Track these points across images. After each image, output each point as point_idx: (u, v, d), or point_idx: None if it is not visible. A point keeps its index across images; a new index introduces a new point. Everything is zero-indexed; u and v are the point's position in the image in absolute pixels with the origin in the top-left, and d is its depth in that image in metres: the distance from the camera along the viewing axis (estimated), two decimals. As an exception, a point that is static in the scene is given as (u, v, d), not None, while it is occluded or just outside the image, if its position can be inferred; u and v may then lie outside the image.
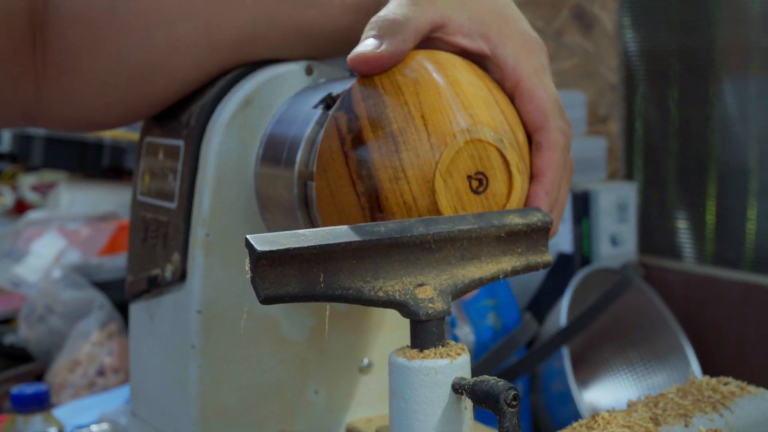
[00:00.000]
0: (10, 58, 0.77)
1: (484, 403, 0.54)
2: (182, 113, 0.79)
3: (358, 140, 0.62)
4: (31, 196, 1.91)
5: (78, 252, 1.55)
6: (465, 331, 1.28)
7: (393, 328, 0.82)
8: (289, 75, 0.77)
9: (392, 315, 0.82)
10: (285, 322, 0.78)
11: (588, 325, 1.29)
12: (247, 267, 0.54)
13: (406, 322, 0.83)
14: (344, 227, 0.57)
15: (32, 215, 1.71)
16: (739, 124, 1.58)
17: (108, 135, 1.86)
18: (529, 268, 0.61)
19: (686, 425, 0.64)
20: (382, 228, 0.57)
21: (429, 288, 0.57)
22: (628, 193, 1.57)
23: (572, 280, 1.36)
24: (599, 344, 1.46)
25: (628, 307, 1.45)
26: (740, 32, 1.54)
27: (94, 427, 1.07)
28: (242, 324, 0.75)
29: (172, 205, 0.77)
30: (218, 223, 0.75)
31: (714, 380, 0.70)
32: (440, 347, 0.57)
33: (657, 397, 0.68)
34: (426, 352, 0.56)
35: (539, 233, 0.62)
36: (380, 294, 0.56)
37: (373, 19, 0.66)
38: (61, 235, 1.56)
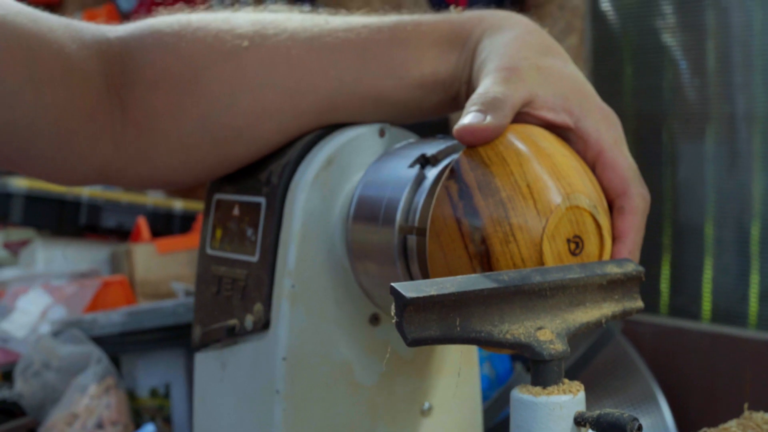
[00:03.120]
0: (87, 116, 0.80)
1: (610, 433, 0.60)
2: (260, 172, 0.84)
3: (470, 207, 0.68)
4: (0, 254, 1.92)
5: (63, 308, 1.57)
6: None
7: (449, 373, 0.88)
8: (365, 137, 0.83)
9: (449, 361, 0.88)
10: (358, 368, 0.83)
11: (576, 376, 1.36)
12: (393, 312, 0.59)
13: (460, 368, 0.89)
14: (473, 276, 0.62)
15: (8, 273, 1.72)
16: (696, 184, 1.67)
17: (86, 193, 1.88)
18: (624, 314, 0.68)
19: (754, 456, 0.71)
20: (505, 277, 0.63)
21: (548, 331, 0.63)
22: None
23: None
24: (576, 393, 1.53)
25: (605, 358, 1.52)
26: (698, 99, 1.65)
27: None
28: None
29: (253, 259, 0.82)
30: (302, 275, 0.80)
31: (767, 415, 0.77)
32: (561, 384, 0.62)
33: (720, 430, 0.74)
34: (549, 389, 0.62)
35: (633, 281, 0.68)
36: (508, 337, 0.62)
37: (474, 96, 0.72)
38: (46, 292, 1.58)
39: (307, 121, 0.82)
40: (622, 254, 0.72)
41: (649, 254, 1.76)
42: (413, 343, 0.60)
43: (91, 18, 2.54)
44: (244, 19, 0.84)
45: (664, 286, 1.74)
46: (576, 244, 0.69)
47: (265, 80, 0.81)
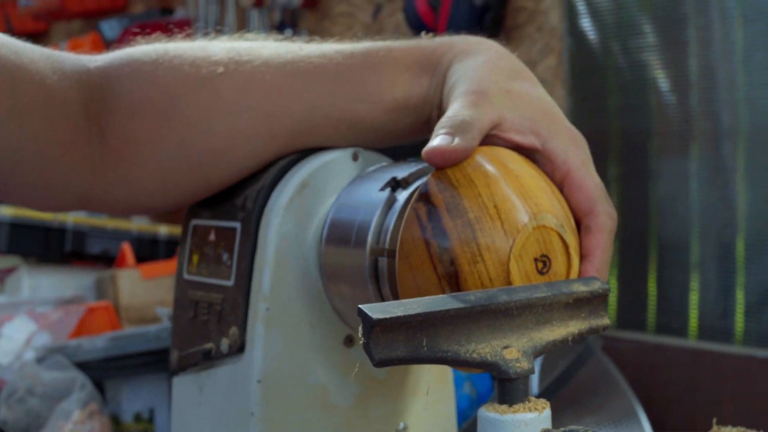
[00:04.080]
0: (67, 144, 0.82)
1: (575, 449, 0.61)
2: (235, 197, 0.85)
3: (439, 228, 0.69)
4: (-16, 282, 1.93)
5: (48, 335, 1.58)
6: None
7: (424, 393, 0.89)
8: (339, 161, 0.84)
9: (424, 381, 0.89)
10: (333, 390, 0.83)
11: (556, 394, 1.37)
12: (360, 333, 0.60)
13: (434, 389, 0.90)
14: (440, 297, 0.63)
15: (-3, 300, 1.74)
16: (681, 201, 1.69)
17: (71, 220, 1.90)
18: (591, 331, 0.69)
19: (725, 468, 0.72)
20: (472, 297, 0.64)
21: (514, 349, 0.64)
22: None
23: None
24: (559, 411, 1.54)
25: (586, 375, 1.53)
26: (681, 117, 1.66)
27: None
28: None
29: (229, 283, 0.83)
30: (278, 299, 0.81)
31: (735, 429, 0.78)
32: (526, 402, 0.63)
33: (691, 446, 0.76)
34: (515, 407, 0.63)
35: (599, 299, 0.69)
36: (474, 356, 0.63)
37: (443, 119, 0.73)
38: (31, 319, 1.59)
39: (282, 144, 0.83)
40: (589, 272, 0.73)
41: (635, 271, 1.77)
42: (380, 363, 0.61)
43: (76, 47, 2.55)
44: (219, 47, 0.86)
45: (651, 303, 1.76)
46: (543, 263, 0.70)
47: (241, 105, 0.82)
